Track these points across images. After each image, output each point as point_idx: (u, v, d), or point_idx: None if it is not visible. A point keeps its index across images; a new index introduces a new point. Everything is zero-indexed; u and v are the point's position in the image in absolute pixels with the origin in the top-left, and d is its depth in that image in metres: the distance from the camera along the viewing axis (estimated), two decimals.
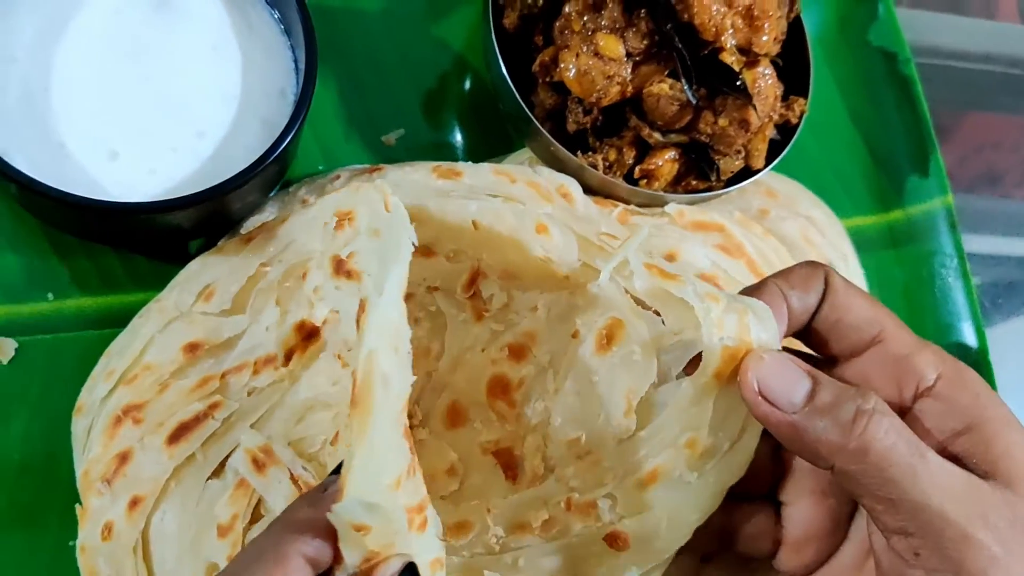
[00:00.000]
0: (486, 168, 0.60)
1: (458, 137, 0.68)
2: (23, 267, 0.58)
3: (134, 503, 0.53)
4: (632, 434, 0.52)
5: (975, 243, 0.79)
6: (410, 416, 0.53)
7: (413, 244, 0.45)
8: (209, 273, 0.56)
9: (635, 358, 0.53)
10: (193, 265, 0.57)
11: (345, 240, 0.53)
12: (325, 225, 0.54)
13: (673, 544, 0.49)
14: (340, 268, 0.53)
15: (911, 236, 0.74)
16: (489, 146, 0.67)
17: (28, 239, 0.58)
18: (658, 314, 0.52)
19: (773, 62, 0.63)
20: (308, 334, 0.55)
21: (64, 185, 0.51)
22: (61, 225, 0.58)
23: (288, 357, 0.55)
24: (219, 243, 0.60)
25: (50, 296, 0.58)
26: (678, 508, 0.49)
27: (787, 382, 0.44)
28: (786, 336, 0.47)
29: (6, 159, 0.51)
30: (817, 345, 0.48)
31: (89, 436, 0.54)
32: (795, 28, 0.66)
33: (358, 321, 0.42)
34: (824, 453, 0.42)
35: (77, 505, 0.53)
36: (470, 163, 0.61)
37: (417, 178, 0.60)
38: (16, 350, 0.56)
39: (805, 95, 0.66)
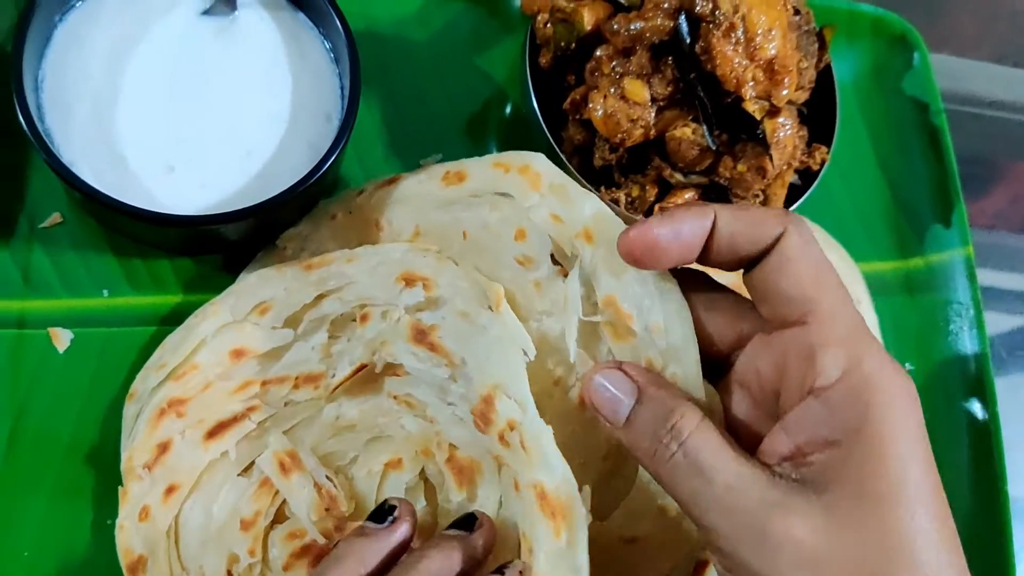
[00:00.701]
0: (488, 161, 0.60)
1: None
2: (82, 264, 0.63)
3: (170, 490, 0.57)
4: None
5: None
6: None
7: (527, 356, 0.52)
8: (267, 290, 0.59)
9: None
10: (252, 278, 0.61)
11: (413, 299, 0.57)
12: (389, 277, 0.58)
13: None
14: (422, 338, 0.56)
15: (929, 284, 0.76)
16: None
17: (88, 239, 0.63)
18: None
19: (799, 109, 0.66)
20: (356, 372, 0.59)
21: (123, 195, 0.56)
22: (118, 230, 0.63)
23: (337, 386, 0.59)
24: (260, 254, 0.64)
25: (105, 292, 0.63)
26: None
27: (612, 400, 0.47)
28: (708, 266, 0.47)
29: (73, 169, 0.56)
30: (755, 303, 0.46)
31: (136, 423, 0.59)
32: (826, 75, 0.68)
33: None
34: (645, 467, 0.46)
35: (120, 487, 0.57)
36: (476, 158, 0.61)
37: (424, 191, 0.61)
38: (72, 341, 0.61)
39: (830, 142, 0.68)
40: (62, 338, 0.61)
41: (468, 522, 0.51)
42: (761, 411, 0.46)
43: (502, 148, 0.71)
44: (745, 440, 0.46)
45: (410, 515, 0.51)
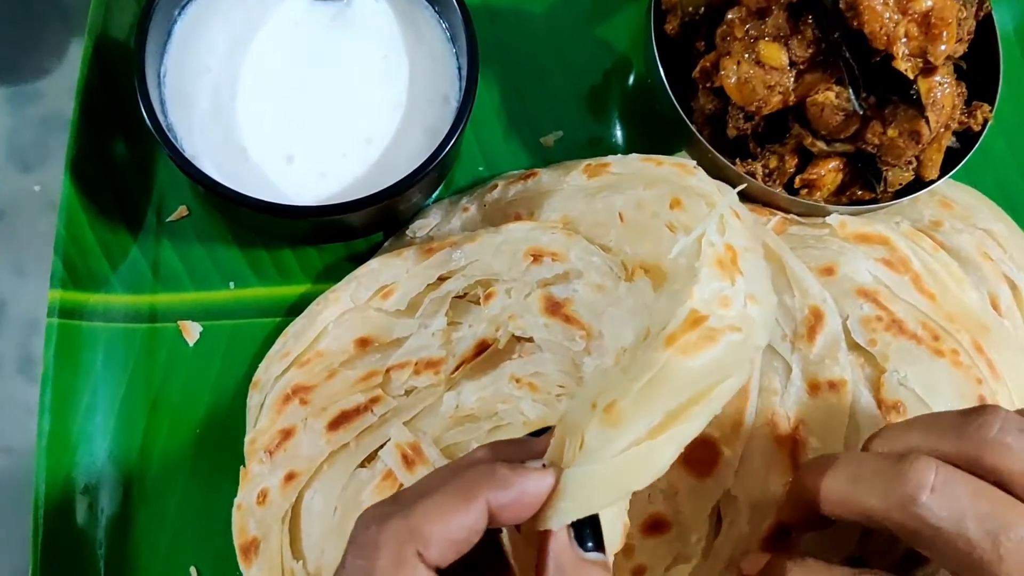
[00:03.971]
0: (633, 157, 0.60)
1: (616, 138, 0.68)
2: (208, 257, 0.63)
3: (289, 477, 0.57)
4: None
5: None
6: None
7: None
8: (389, 274, 0.60)
9: None
10: (373, 263, 0.61)
11: (545, 273, 0.57)
12: (515, 254, 0.57)
13: None
14: (556, 310, 0.56)
15: None
16: (647, 149, 0.67)
17: (214, 232, 0.64)
18: None
19: (956, 64, 0.60)
20: (480, 350, 0.58)
21: (244, 186, 0.55)
22: (242, 222, 0.63)
23: (458, 366, 0.58)
24: (386, 243, 0.63)
25: (231, 284, 0.63)
26: None
27: None
28: None
29: (195, 163, 0.55)
30: None
31: (261, 409, 0.59)
32: (985, 26, 0.61)
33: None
34: None
35: (241, 467, 0.58)
36: (619, 155, 0.61)
37: (566, 182, 0.61)
38: (201, 333, 0.62)
39: (992, 99, 0.61)
40: (192, 331, 0.62)
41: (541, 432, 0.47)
42: None
43: (625, 123, 0.68)
44: None
45: None
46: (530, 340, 0.58)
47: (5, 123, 0.69)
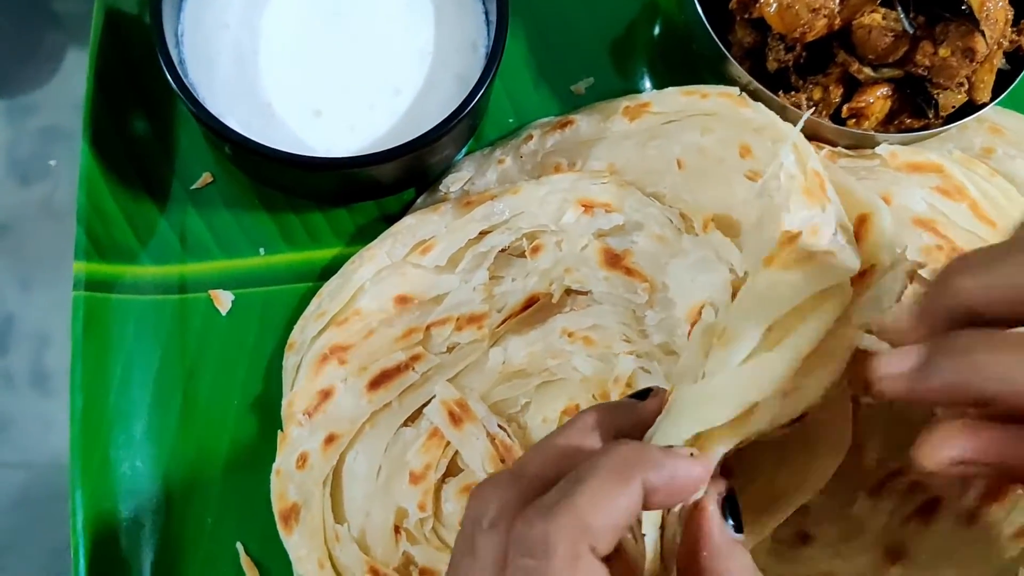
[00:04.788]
0: (673, 91, 0.58)
1: (647, 83, 0.65)
2: (237, 224, 0.61)
3: (330, 439, 0.55)
4: None
5: None
6: None
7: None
8: (426, 229, 0.58)
9: None
10: (409, 219, 0.59)
11: (594, 226, 0.55)
12: (563, 204, 0.55)
13: None
14: (616, 262, 0.55)
15: None
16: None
17: (241, 198, 0.61)
18: None
19: None
20: (528, 304, 0.56)
21: (271, 143, 0.53)
22: (270, 182, 0.60)
23: (504, 321, 0.56)
24: (419, 200, 0.61)
25: (262, 251, 0.61)
26: None
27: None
28: None
29: (221, 119, 0.53)
30: None
31: (297, 371, 0.57)
32: None
33: None
34: None
35: (279, 431, 0.56)
36: (655, 91, 0.60)
37: (608, 128, 0.59)
38: (233, 302, 0.60)
39: None
40: (223, 300, 0.60)
41: (643, 395, 0.45)
42: None
43: (657, 66, 0.65)
44: None
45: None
46: (583, 293, 0.56)
47: (3, 136, 0.68)
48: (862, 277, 0.44)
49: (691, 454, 0.38)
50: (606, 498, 0.35)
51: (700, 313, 0.50)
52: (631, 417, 0.41)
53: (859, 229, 0.48)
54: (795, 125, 0.58)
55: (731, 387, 0.39)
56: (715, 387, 0.39)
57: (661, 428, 0.40)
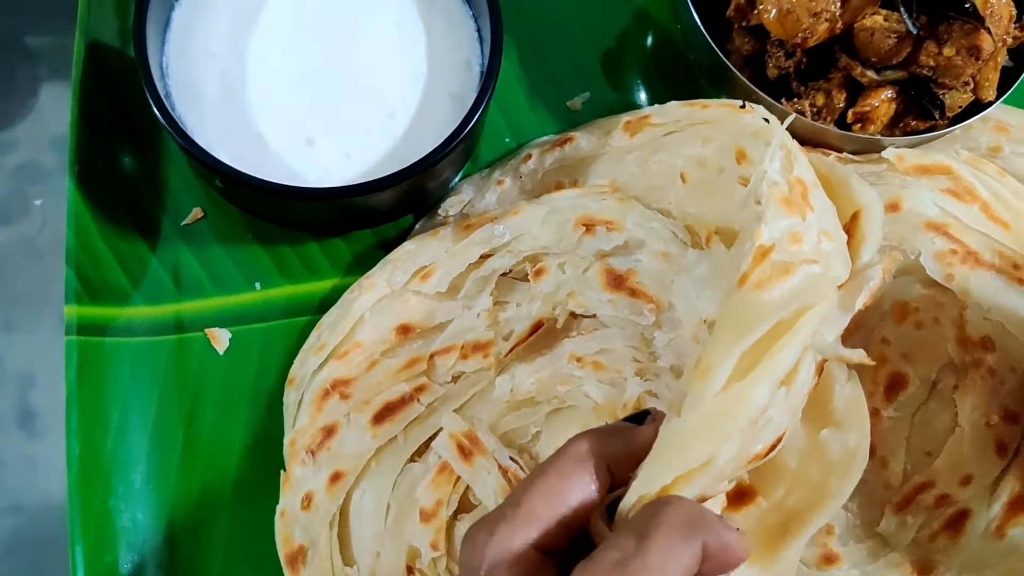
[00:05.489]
0: (674, 104, 0.57)
1: (643, 95, 0.64)
2: (231, 259, 0.59)
3: (335, 477, 0.53)
4: None
5: None
6: None
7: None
8: (426, 254, 0.56)
9: None
10: (408, 245, 0.57)
11: (602, 244, 0.53)
12: (564, 224, 0.54)
13: None
14: (619, 284, 0.53)
15: None
16: (678, 100, 0.64)
17: (233, 232, 0.60)
18: None
19: None
20: (534, 330, 0.55)
21: (264, 174, 0.52)
22: (263, 214, 0.59)
23: (512, 348, 0.55)
24: (417, 225, 0.59)
25: (257, 286, 0.59)
26: None
27: None
28: None
29: (211, 152, 0.52)
30: None
31: (299, 407, 0.55)
32: None
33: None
34: None
35: (282, 471, 0.54)
36: (656, 105, 0.58)
37: (608, 144, 0.57)
38: (230, 340, 0.58)
39: None
40: (220, 338, 0.58)
41: (642, 417, 0.44)
42: None
43: (655, 78, 0.64)
44: None
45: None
46: (590, 317, 0.55)
47: None
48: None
49: (737, 529, 0.37)
50: (674, 556, 0.34)
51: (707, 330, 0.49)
52: (625, 446, 0.40)
53: (851, 227, 0.47)
54: (799, 132, 0.57)
55: (708, 421, 0.37)
56: (691, 424, 0.37)
57: (646, 469, 0.38)
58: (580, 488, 0.37)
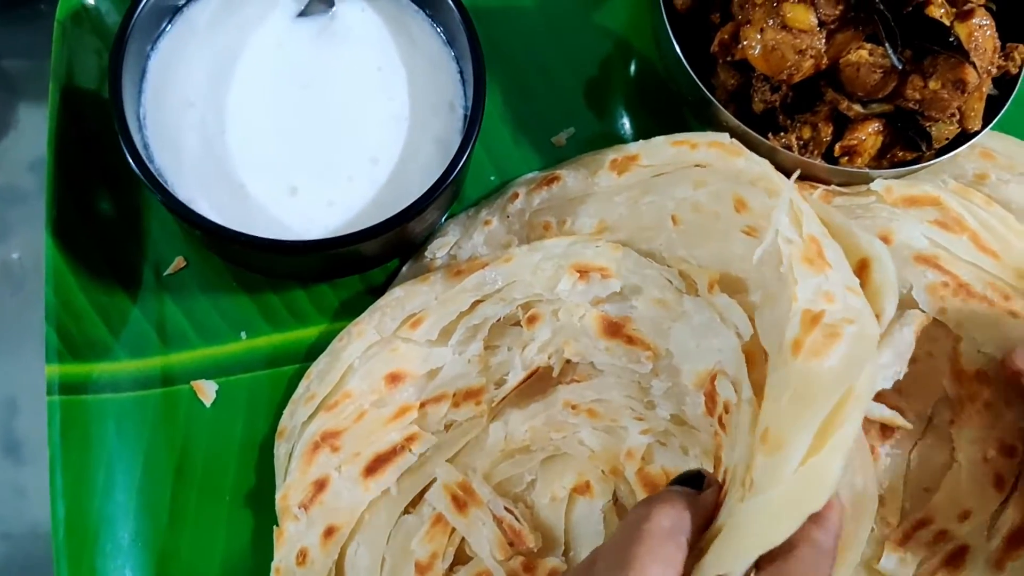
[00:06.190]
0: (661, 142, 0.56)
1: (631, 129, 0.63)
2: (215, 309, 0.59)
3: (329, 532, 0.53)
4: None
5: None
6: None
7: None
8: (416, 301, 0.55)
9: None
10: (397, 291, 0.56)
11: (597, 292, 0.53)
12: (557, 271, 0.53)
13: None
14: (615, 331, 0.53)
15: None
16: (663, 132, 0.63)
17: (217, 281, 0.59)
18: None
19: (986, 6, 0.56)
20: (528, 376, 0.54)
21: (246, 225, 0.51)
22: (247, 265, 0.58)
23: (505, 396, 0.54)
24: (404, 269, 0.58)
25: (243, 335, 0.58)
26: None
27: None
28: None
29: (191, 207, 0.51)
30: None
31: (290, 460, 0.55)
32: None
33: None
34: None
35: (275, 527, 0.53)
36: (642, 141, 0.57)
37: (595, 183, 0.57)
38: (217, 392, 0.57)
39: None
40: (207, 391, 0.57)
41: (695, 480, 0.43)
42: None
43: (639, 111, 0.63)
44: None
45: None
46: (586, 363, 0.54)
47: None
48: None
49: None
50: None
51: (713, 382, 0.48)
52: (697, 515, 0.39)
53: (859, 274, 0.46)
54: (787, 166, 0.57)
55: (789, 501, 0.37)
56: (774, 503, 0.37)
57: (725, 547, 0.37)
58: (670, 569, 0.37)
